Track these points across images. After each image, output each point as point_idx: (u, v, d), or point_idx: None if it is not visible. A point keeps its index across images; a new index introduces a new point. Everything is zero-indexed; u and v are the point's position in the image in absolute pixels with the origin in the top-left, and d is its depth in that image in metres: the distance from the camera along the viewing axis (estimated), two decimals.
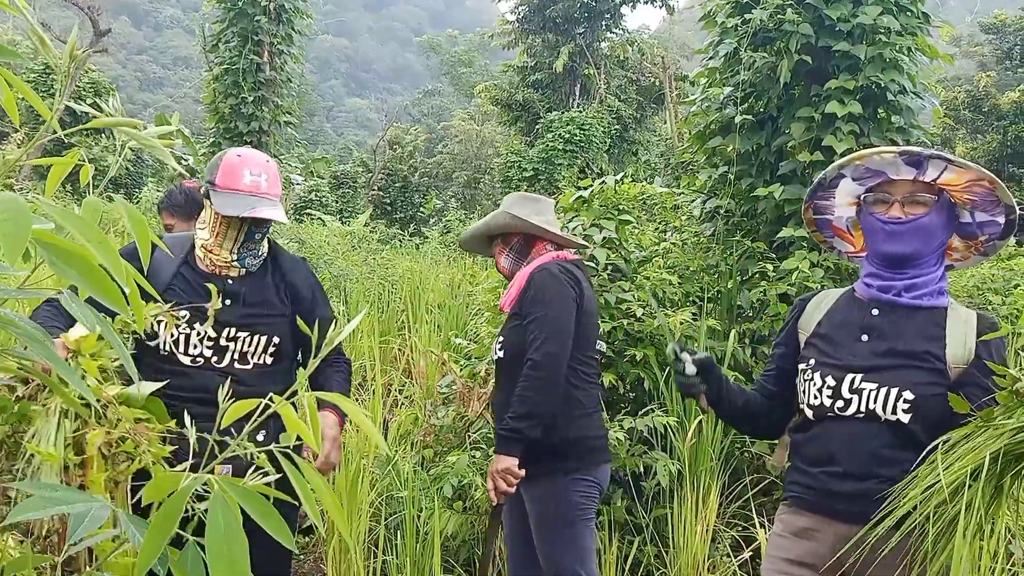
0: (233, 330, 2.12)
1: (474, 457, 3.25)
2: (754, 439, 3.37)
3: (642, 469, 3.28)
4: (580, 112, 18.10)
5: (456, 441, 3.63)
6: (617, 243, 3.75)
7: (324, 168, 20.72)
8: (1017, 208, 1.77)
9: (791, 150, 4.86)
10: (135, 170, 18.14)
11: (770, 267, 4.14)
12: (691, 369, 1.85)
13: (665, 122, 19.49)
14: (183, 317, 2.07)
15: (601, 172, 15.90)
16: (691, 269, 4.38)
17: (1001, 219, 1.79)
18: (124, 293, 0.82)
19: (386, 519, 3.12)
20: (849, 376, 1.74)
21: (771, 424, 1.99)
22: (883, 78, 4.52)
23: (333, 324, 0.96)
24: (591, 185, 3.93)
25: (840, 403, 1.74)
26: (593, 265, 3.52)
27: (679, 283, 3.95)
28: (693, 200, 5.12)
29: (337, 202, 19.26)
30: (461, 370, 3.89)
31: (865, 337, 1.77)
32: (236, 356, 2.13)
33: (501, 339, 2.47)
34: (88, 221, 0.72)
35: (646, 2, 21.62)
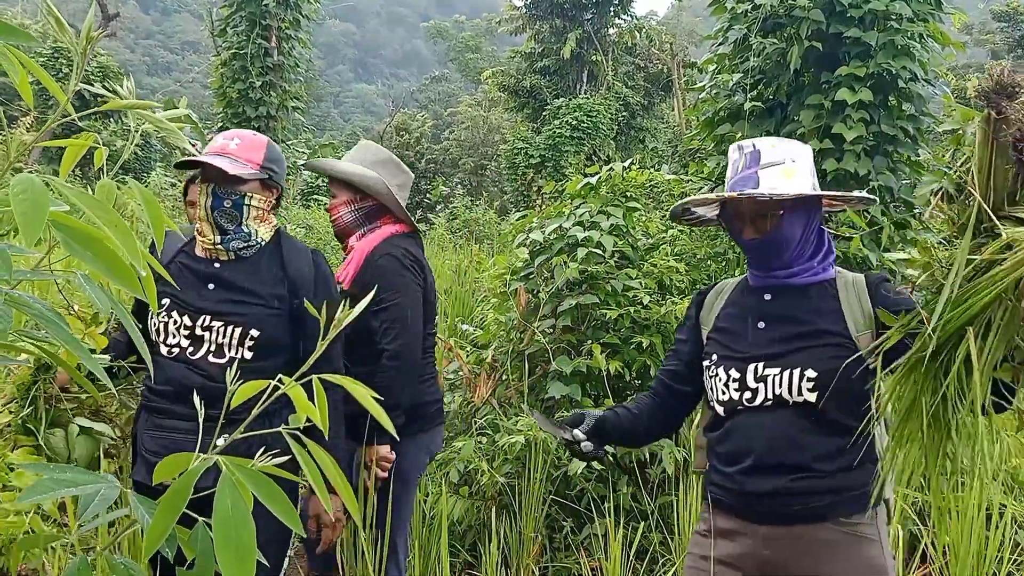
0: (208, 318, 1.99)
1: (480, 443, 3.26)
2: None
3: (647, 456, 3.29)
4: (587, 99, 18.02)
5: (462, 427, 3.65)
6: (624, 230, 3.75)
7: (331, 154, 20.70)
8: (869, 196, 1.83)
9: (800, 137, 4.84)
10: (143, 154, 18.16)
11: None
12: (588, 446, 1.86)
13: (673, 109, 19.39)
14: (163, 305, 2.02)
15: (608, 159, 15.85)
16: (698, 257, 4.37)
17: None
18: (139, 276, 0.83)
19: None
20: (752, 365, 1.72)
21: (668, 424, 2.01)
22: (894, 65, 4.49)
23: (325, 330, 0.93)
24: (598, 172, 3.93)
25: (748, 394, 1.71)
26: (600, 252, 3.52)
27: (686, 271, 3.94)
28: (701, 187, 5.10)
29: None
30: (467, 356, 3.91)
31: (762, 324, 1.75)
32: (212, 348, 1.98)
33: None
34: (103, 203, 0.72)
35: None
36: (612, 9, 20.92)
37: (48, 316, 0.78)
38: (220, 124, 13.97)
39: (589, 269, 3.55)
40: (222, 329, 1.98)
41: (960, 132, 1.35)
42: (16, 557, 1.61)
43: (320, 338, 0.88)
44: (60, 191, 0.73)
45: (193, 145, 1.89)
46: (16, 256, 1.03)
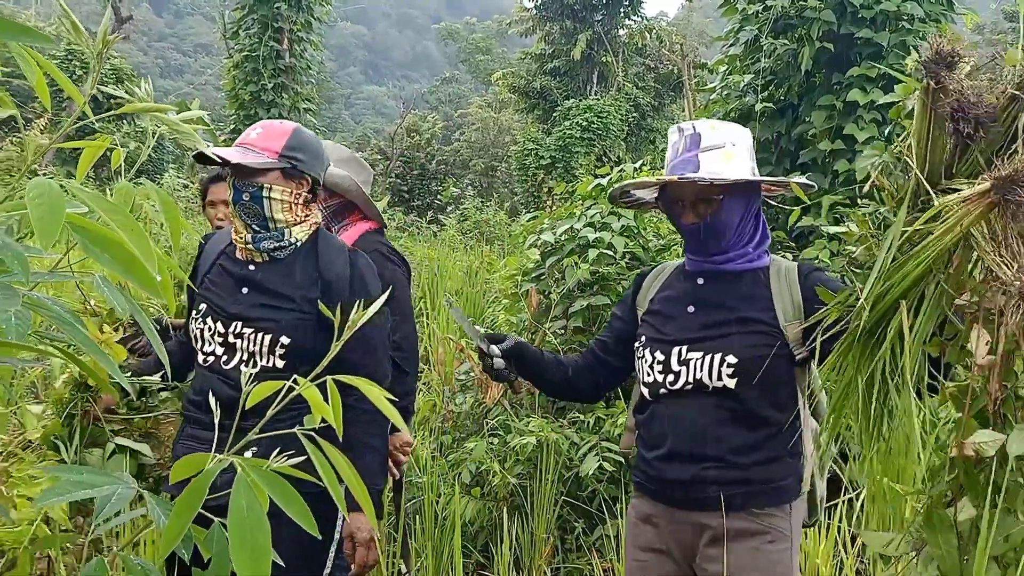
0: (239, 324, 1.88)
1: (492, 444, 3.27)
2: (579, 403, 3.37)
3: None
4: (598, 100, 18.00)
5: (474, 428, 3.65)
6: (635, 231, 3.74)
7: None
8: (808, 182, 1.80)
9: (812, 139, 4.82)
10: (156, 156, 18.26)
11: (789, 256, 4.12)
12: (499, 363, 1.84)
13: (683, 110, 19.33)
14: (200, 311, 1.94)
15: (619, 160, 15.83)
16: None
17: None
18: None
19: (405, 503, 3.15)
20: (676, 348, 1.72)
21: (595, 388, 2.00)
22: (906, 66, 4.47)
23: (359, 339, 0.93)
24: (609, 173, 3.92)
25: (671, 377, 1.71)
26: (611, 253, 3.52)
27: None
28: None
29: None
30: (479, 358, 3.90)
31: (692, 308, 1.75)
32: (244, 356, 1.88)
33: (276, 324, 1.95)
34: (119, 206, 0.73)
35: None
36: (622, 10, 20.89)
37: (66, 318, 0.79)
38: (232, 126, 14.04)
39: (600, 270, 3.55)
40: (253, 336, 1.87)
41: (901, 105, 1.33)
42: (25, 562, 1.62)
43: (335, 338, 0.88)
44: (76, 194, 0.74)
45: (208, 146, 1.87)
46: (33, 258, 1.04)
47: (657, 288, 1.86)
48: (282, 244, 1.92)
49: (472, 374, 3.85)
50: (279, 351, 1.86)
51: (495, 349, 1.84)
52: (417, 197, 20.50)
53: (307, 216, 1.97)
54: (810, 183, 1.80)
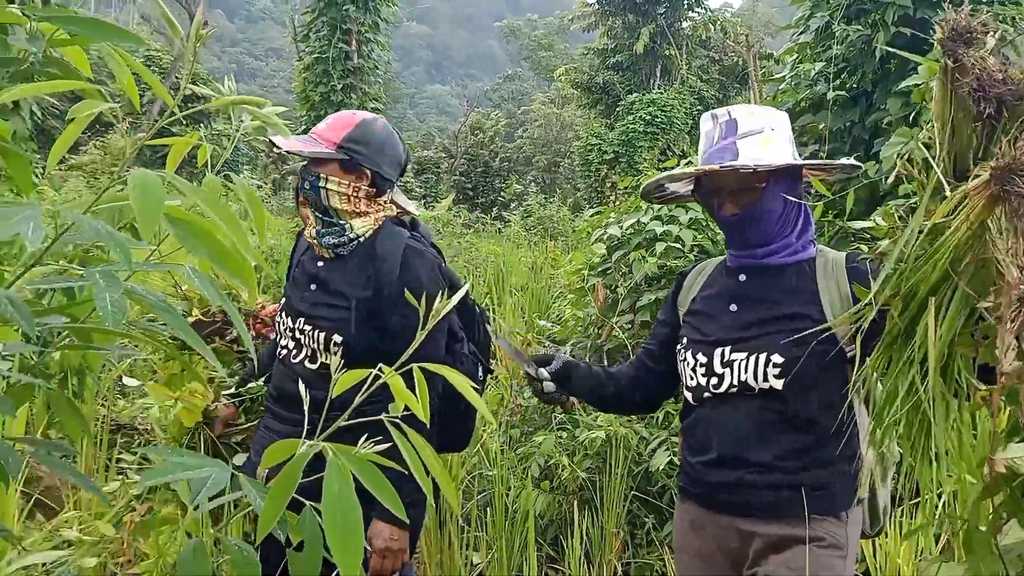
0: (302, 321, 1.91)
1: (560, 438, 3.27)
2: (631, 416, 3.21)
3: None
4: (661, 93, 17.79)
5: (542, 421, 3.65)
6: (703, 224, 3.68)
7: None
8: (855, 163, 1.68)
9: (887, 127, 4.66)
10: (231, 158, 18.85)
11: (864, 248, 3.99)
12: (550, 386, 1.79)
13: (749, 102, 18.95)
14: (281, 305, 2.00)
15: (683, 154, 15.61)
16: None
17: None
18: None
19: (476, 496, 3.18)
20: (719, 350, 1.62)
21: (647, 399, 1.93)
22: None
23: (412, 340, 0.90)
24: (675, 166, 3.87)
25: (714, 380, 1.62)
26: (679, 246, 3.47)
27: None
28: None
29: (421, 187, 19.52)
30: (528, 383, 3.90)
31: (734, 307, 1.65)
32: (308, 353, 1.91)
33: (331, 323, 1.91)
34: (216, 198, 0.75)
35: None
36: (685, 3, 20.59)
37: (163, 306, 0.82)
38: (304, 127, 14.38)
39: (668, 264, 3.50)
40: (312, 333, 1.89)
41: (924, 86, 1.19)
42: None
43: (420, 327, 0.89)
44: (176, 185, 0.76)
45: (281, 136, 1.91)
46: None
47: (699, 287, 1.77)
48: (343, 240, 1.91)
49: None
50: (333, 348, 1.86)
51: (544, 372, 1.80)
52: (481, 194, 20.64)
53: (371, 210, 1.94)
54: (856, 163, 1.68)
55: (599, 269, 3.81)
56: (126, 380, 3.99)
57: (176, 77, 20.60)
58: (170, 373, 2.27)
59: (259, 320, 2.47)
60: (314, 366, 1.88)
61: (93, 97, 0.93)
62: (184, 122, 19.72)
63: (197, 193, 0.76)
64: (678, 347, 1.73)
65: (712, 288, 1.73)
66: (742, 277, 1.67)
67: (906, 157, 1.19)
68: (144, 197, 0.73)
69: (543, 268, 7.20)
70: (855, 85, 4.89)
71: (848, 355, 1.50)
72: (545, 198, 18.30)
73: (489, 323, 2.16)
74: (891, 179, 1.22)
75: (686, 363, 1.68)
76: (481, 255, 7.70)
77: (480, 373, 2.13)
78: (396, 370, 0.94)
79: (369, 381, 0.91)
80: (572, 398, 1.86)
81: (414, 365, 0.86)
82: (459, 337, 2.06)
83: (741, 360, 1.59)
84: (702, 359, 1.64)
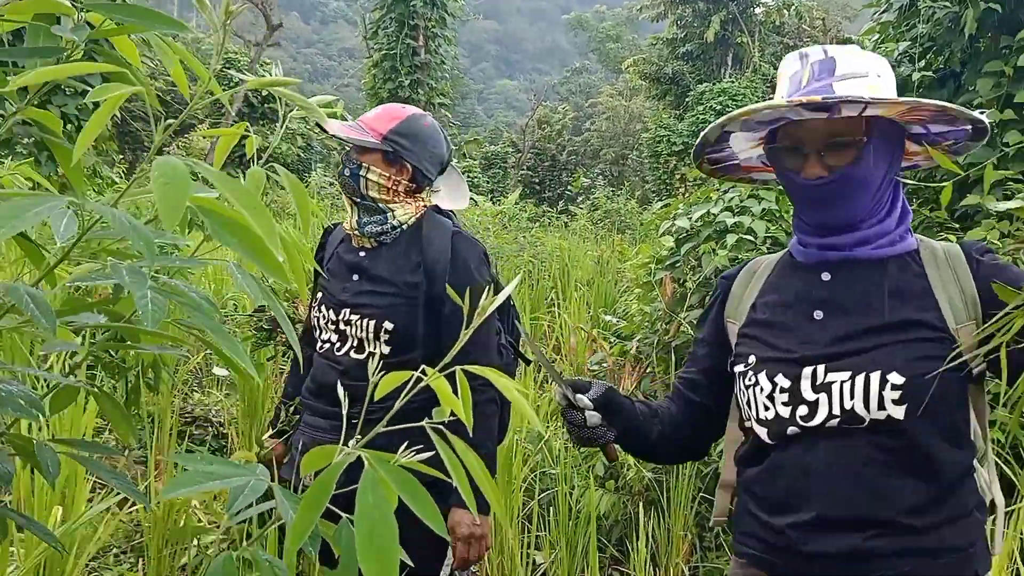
0: (348, 311, 1.89)
1: None
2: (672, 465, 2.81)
3: None
4: (732, 83, 17.35)
5: None
6: (777, 214, 3.53)
7: (475, 149, 21.11)
8: (985, 120, 1.25)
9: (978, 107, 4.39)
10: (305, 156, 19.26)
11: (953, 238, 3.76)
12: (594, 418, 1.33)
13: None
14: (317, 299, 1.98)
15: None
16: None
17: (967, 126, 1.28)
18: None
19: (539, 495, 3.12)
20: (808, 369, 1.23)
21: (692, 445, 1.52)
22: None
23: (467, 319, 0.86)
24: None
25: (803, 409, 1.22)
26: (752, 239, 3.33)
27: None
28: None
29: (488, 182, 19.57)
30: (611, 347, 3.82)
31: (819, 314, 1.27)
32: (355, 344, 1.89)
33: (379, 310, 1.88)
34: (246, 189, 0.71)
35: None
36: None
37: (199, 303, 0.78)
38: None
39: (740, 256, 3.36)
40: (359, 323, 1.87)
41: None
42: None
43: (464, 327, 0.83)
44: (202, 174, 0.72)
45: (347, 148, 1.90)
46: (171, 247, 1.05)
47: (757, 292, 1.39)
48: (385, 228, 1.91)
49: (604, 364, 3.77)
50: (384, 336, 1.85)
51: (585, 400, 1.33)
52: (548, 188, 20.57)
53: (412, 201, 1.95)
54: (984, 120, 1.26)
55: (667, 263, 3.70)
56: (216, 370, 4.06)
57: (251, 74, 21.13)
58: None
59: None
60: (361, 356, 1.87)
61: (127, 83, 0.90)
62: (260, 123, 20.29)
63: (225, 183, 0.71)
64: (739, 369, 1.33)
65: (779, 292, 1.36)
66: (825, 276, 1.29)
67: None
68: (168, 186, 0.68)
69: (610, 262, 7.09)
70: (942, 66, 4.62)
71: (975, 372, 1.20)
72: (613, 191, 18.11)
73: (518, 318, 2.10)
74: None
75: (758, 388, 1.28)
76: (547, 250, 7.64)
77: (514, 367, 2.12)
78: (446, 365, 0.89)
79: (412, 383, 0.85)
80: (612, 450, 1.41)
81: (458, 369, 0.80)
82: (498, 329, 2.04)
83: (843, 381, 1.20)
84: (783, 382, 1.25)
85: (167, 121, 0.80)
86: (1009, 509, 2.44)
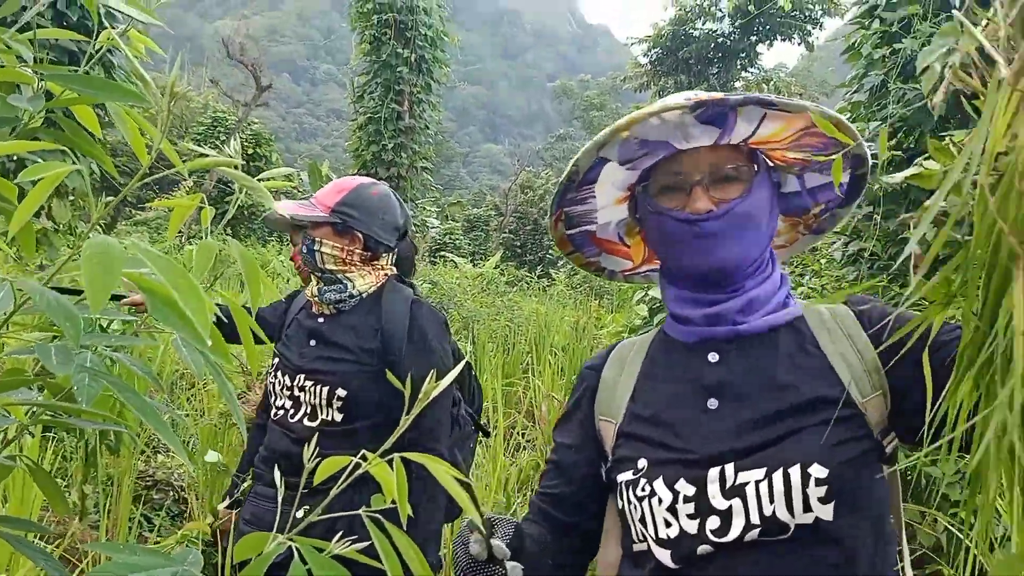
0: (303, 377, 1.89)
1: None
2: None
3: None
4: None
5: None
6: None
7: (458, 212, 21.32)
8: (870, 157, 1.12)
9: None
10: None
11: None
12: (516, 572, 1.02)
13: None
14: (274, 365, 1.98)
15: None
16: None
17: (844, 177, 1.13)
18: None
19: None
20: (714, 471, 0.99)
21: (565, 569, 1.20)
22: None
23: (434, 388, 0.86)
24: None
25: (714, 521, 0.98)
26: None
27: None
28: (834, 242, 4.82)
29: (470, 244, 19.71)
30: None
31: (714, 403, 1.05)
32: (308, 411, 1.88)
33: (334, 376, 1.87)
34: (174, 264, 0.70)
35: (784, 40, 21.03)
36: (739, 62, 20.65)
37: (123, 386, 0.76)
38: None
39: None
40: (313, 389, 1.87)
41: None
42: None
43: (405, 412, 0.82)
44: (137, 253, 0.71)
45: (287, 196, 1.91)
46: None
47: (634, 381, 1.15)
48: (343, 296, 1.93)
49: None
50: (336, 403, 1.84)
51: (504, 549, 1.01)
52: (529, 252, 20.71)
53: (370, 271, 1.97)
54: (867, 153, 1.11)
55: (640, 332, 3.70)
56: (210, 455, 3.90)
57: (239, 137, 21.38)
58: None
59: None
60: (314, 423, 1.85)
61: (98, 157, 0.89)
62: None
63: (157, 261, 0.70)
64: (626, 478, 1.07)
65: (658, 379, 1.13)
66: (713, 357, 1.08)
67: (956, 63, 0.62)
68: (97, 267, 0.67)
69: (586, 328, 7.08)
70: (912, 145, 4.75)
71: (888, 451, 1.02)
72: None
73: (479, 387, 2.13)
74: (938, 98, 0.63)
75: (655, 500, 1.02)
76: (524, 314, 7.62)
77: (477, 435, 2.12)
78: (390, 448, 0.86)
79: (350, 469, 0.82)
80: None
81: (395, 456, 0.78)
82: (456, 400, 2.03)
83: (758, 482, 0.97)
84: (686, 489, 1.01)
85: (107, 199, 0.79)
86: None
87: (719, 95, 1.01)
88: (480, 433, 2.13)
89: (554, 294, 11.82)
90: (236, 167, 0.82)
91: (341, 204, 1.92)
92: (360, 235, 1.93)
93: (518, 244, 20.94)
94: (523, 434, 4.51)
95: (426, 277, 9.07)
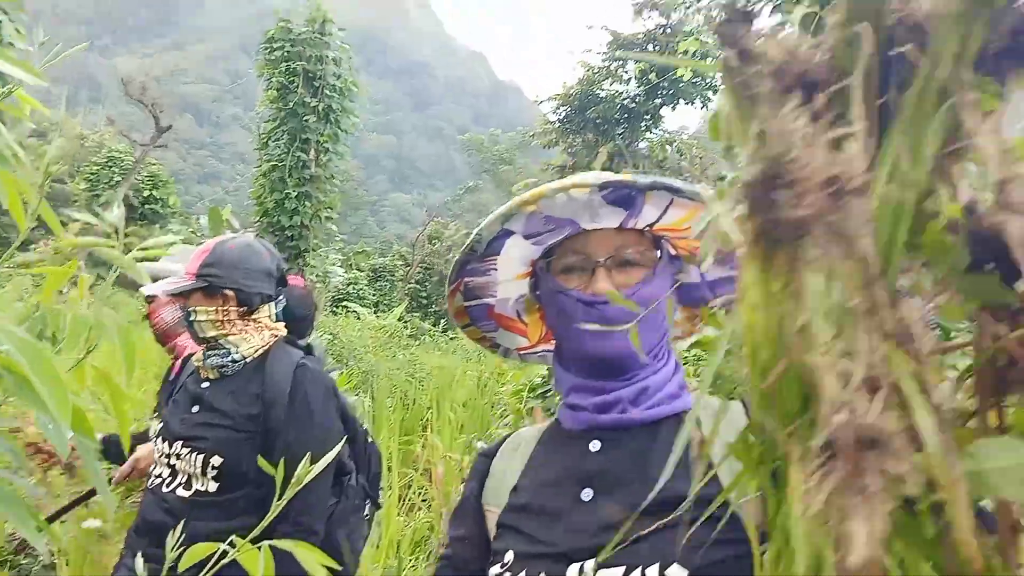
0: (179, 444, 1.82)
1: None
2: None
3: None
4: None
5: None
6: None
7: (363, 261, 21.11)
8: None
9: None
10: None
11: None
12: None
13: None
14: (156, 431, 1.91)
15: None
16: None
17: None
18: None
19: None
20: (574, 569, 0.94)
21: None
22: None
23: (307, 459, 0.86)
24: None
25: None
26: None
27: None
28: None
29: (375, 294, 19.49)
30: None
31: (588, 493, 1.01)
32: (183, 480, 1.80)
33: (210, 443, 1.80)
34: (31, 342, 0.68)
35: (687, 103, 22.07)
36: (644, 124, 21.50)
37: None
38: (257, 232, 14.36)
39: None
40: (188, 456, 1.79)
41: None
42: None
43: (277, 496, 0.81)
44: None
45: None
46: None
47: (520, 468, 1.12)
48: (227, 361, 1.87)
49: None
50: (211, 472, 1.75)
51: None
52: (435, 303, 20.65)
53: (251, 330, 1.91)
54: None
55: (539, 391, 3.74)
56: (89, 522, 3.64)
57: (136, 178, 20.64)
58: None
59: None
60: (188, 493, 1.77)
61: None
62: (139, 224, 19.57)
63: (17, 343, 0.68)
64: (494, 571, 1.02)
65: (543, 468, 1.10)
66: (594, 445, 1.05)
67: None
68: None
69: (488, 384, 7.08)
70: None
71: (764, 555, 0.89)
72: None
73: (378, 456, 2.09)
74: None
75: None
76: (426, 368, 7.56)
77: (368, 507, 2.06)
78: (265, 529, 0.85)
79: (218, 555, 0.81)
80: None
81: (265, 544, 0.77)
82: (347, 470, 1.98)
83: None
84: None
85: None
86: None
87: (628, 177, 1.01)
88: (372, 505, 2.09)
89: (457, 348, 11.78)
90: (113, 245, 0.81)
91: (203, 266, 1.88)
92: (229, 292, 1.88)
93: (424, 295, 20.86)
94: (419, 493, 4.43)
95: (326, 329, 8.89)
